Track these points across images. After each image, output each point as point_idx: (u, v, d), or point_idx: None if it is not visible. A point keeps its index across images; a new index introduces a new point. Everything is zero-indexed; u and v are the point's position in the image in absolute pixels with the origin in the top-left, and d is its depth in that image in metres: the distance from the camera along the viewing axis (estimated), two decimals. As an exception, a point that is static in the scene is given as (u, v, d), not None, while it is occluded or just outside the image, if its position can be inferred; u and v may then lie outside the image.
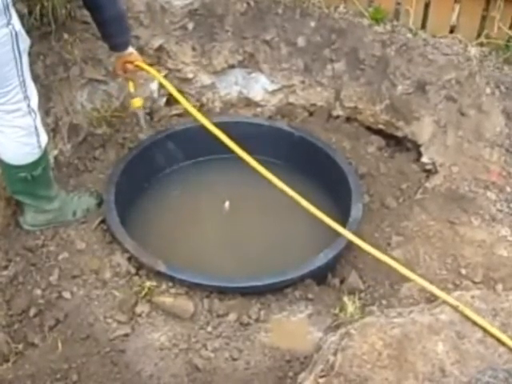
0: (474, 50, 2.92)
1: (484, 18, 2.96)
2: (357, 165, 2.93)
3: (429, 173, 2.84)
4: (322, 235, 2.49)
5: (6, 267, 2.34)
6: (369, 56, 3.01)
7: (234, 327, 2.20)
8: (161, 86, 3.06)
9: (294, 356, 2.10)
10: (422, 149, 2.90)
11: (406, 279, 2.21)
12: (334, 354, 1.77)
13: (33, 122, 2.21)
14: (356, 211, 2.54)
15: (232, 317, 2.22)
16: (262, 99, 3.27)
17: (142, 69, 2.64)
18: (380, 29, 3.04)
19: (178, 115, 3.18)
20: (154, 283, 2.29)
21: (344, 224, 2.43)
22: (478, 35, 2.97)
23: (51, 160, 2.61)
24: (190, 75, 3.20)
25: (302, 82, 3.18)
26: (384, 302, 2.25)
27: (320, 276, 2.42)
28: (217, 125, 2.48)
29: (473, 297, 1.93)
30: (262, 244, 2.68)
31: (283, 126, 3.09)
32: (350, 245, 2.40)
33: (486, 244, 2.40)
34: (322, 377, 1.74)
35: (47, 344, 2.13)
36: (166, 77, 3.02)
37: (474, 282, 2.27)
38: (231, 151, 2.41)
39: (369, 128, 3.14)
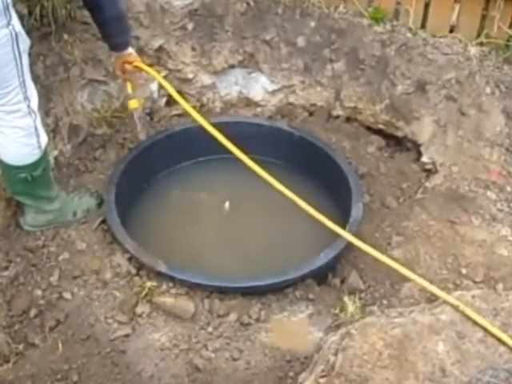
0: (473, 50, 2.92)
1: (484, 17, 2.96)
2: (357, 165, 2.93)
3: (429, 172, 2.84)
4: (322, 235, 2.49)
5: (6, 268, 2.35)
6: (369, 56, 3.01)
7: (234, 327, 2.20)
8: (160, 86, 3.06)
9: (295, 356, 2.10)
10: (422, 148, 2.90)
11: (407, 279, 2.21)
12: (335, 354, 1.77)
13: (33, 123, 2.21)
14: (356, 211, 2.54)
15: (232, 317, 2.22)
16: (262, 99, 3.27)
17: (141, 69, 2.64)
18: (380, 29, 3.04)
19: (178, 115, 3.18)
20: (155, 283, 2.29)
21: (344, 224, 2.43)
22: (478, 35, 2.97)
23: (51, 160, 2.61)
24: (190, 75, 3.20)
25: (302, 82, 3.18)
26: (384, 301, 2.25)
27: (320, 276, 2.42)
28: (217, 125, 2.48)
29: (473, 296, 1.93)
30: (263, 244, 2.68)
31: (283, 126, 3.09)
32: (350, 245, 2.39)
33: (486, 243, 2.40)
34: (322, 377, 1.74)
35: (48, 344, 2.13)
36: (166, 77, 3.02)
37: (475, 282, 2.27)
38: (230, 152, 2.41)
39: (369, 128, 3.14)
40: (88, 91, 2.97)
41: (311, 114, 3.24)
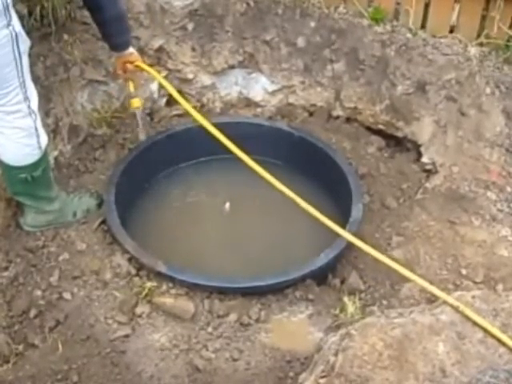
0: (473, 50, 2.91)
1: (484, 17, 2.95)
2: (357, 165, 2.93)
3: (429, 173, 2.84)
4: (322, 235, 2.49)
5: (6, 268, 2.35)
6: (369, 56, 3.01)
7: (234, 328, 2.20)
8: (161, 86, 3.06)
9: (295, 356, 2.10)
10: (422, 149, 2.90)
11: (407, 279, 2.21)
12: (335, 355, 1.77)
13: (33, 123, 2.21)
14: (356, 211, 2.54)
15: (232, 317, 2.22)
16: (262, 99, 3.27)
17: (142, 69, 2.64)
18: (380, 29, 3.04)
19: (179, 116, 3.18)
20: (155, 284, 2.29)
21: (344, 224, 2.43)
22: (478, 35, 2.97)
23: (51, 161, 2.61)
24: (190, 76, 3.20)
25: (302, 83, 3.18)
26: (384, 302, 2.25)
27: (320, 276, 2.42)
28: (217, 125, 2.48)
29: (473, 297, 1.93)
30: (263, 244, 2.68)
31: (283, 127, 3.09)
32: (350, 245, 2.39)
33: (486, 244, 2.40)
34: (322, 377, 1.74)
35: (47, 345, 2.13)
36: (166, 77, 3.02)
37: (475, 282, 2.27)
38: (230, 152, 2.41)
39: (369, 128, 3.14)
40: (88, 91, 2.97)
41: (311, 114, 3.24)
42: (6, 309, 2.23)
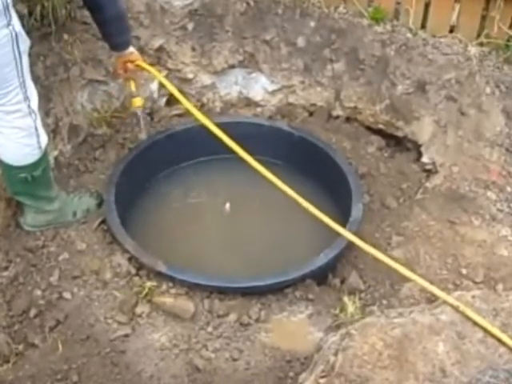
0: (473, 50, 2.91)
1: (484, 17, 2.96)
2: (357, 165, 2.93)
3: (429, 173, 2.84)
4: (322, 235, 2.49)
5: (6, 268, 2.35)
6: (369, 56, 3.01)
7: (234, 327, 2.20)
8: (161, 85, 3.06)
9: (295, 356, 2.10)
10: (422, 149, 2.90)
11: (407, 279, 2.21)
12: (335, 355, 1.77)
13: (33, 123, 2.21)
14: (356, 211, 2.54)
15: (232, 317, 2.22)
16: (261, 99, 3.27)
17: (142, 68, 2.64)
18: (380, 29, 3.04)
19: (179, 115, 3.18)
20: (155, 283, 2.29)
21: (344, 224, 2.43)
22: (478, 35, 2.97)
23: (51, 161, 2.61)
24: (190, 75, 3.20)
25: (302, 82, 3.18)
26: (384, 302, 2.25)
27: (320, 276, 2.42)
28: (217, 125, 2.48)
29: (473, 297, 1.93)
30: (263, 244, 2.68)
31: (283, 126, 3.09)
32: (350, 245, 2.39)
33: (486, 244, 2.40)
34: (322, 377, 1.74)
35: (47, 345, 2.13)
36: (166, 77, 3.02)
37: (475, 282, 2.27)
38: (232, 151, 2.41)
39: (369, 128, 3.14)
40: (88, 91, 2.97)
41: (311, 114, 3.24)
42: (5, 308, 2.23)
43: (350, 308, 2.12)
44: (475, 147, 2.72)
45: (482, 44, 2.95)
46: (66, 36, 2.80)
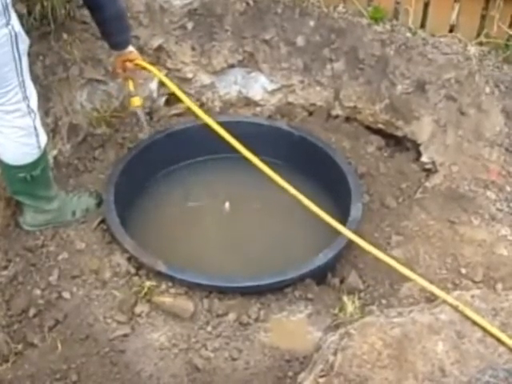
0: (473, 49, 2.91)
1: (483, 17, 2.95)
2: (356, 164, 2.93)
3: (428, 172, 2.84)
4: (321, 235, 2.49)
5: (5, 267, 2.35)
6: (368, 55, 3.01)
7: (233, 327, 2.20)
8: (161, 84, 3.06)
9: (294, 356, 2.10)
10: (422, 148, 2.90)
11: (406, 279, 2.21)
12: (334, 354, 1.77)
13: (32, 123, 2.21)
14: (356, 211, 2.54)
15: (232, 317, 2.22)
16: (261, 99, 3.27)
17: (142, 67, 2.64)
18: (379, 28, 3.04)
19: (178, 115, 3.18)
20: (154, 283, 2.29)
21: (344, 224, 2.43)
22: (478, 34, 2.97)
23: (50, 160, 2.61)
24: (190, 75, 3.20)
25: (302, 82, 3.17)
26: (384, 301, 2.25)
27: (320, 276, 2.42)
28: (217, 124, 2.48)
29: (473, 296, 1.93)
30: (262, 244, 2.68)
31: (283, 126, 3.09)
32: (349, 244, 2.39)
33: (485, 243, 2.39)
34: (321, 377, 1.73)
35: (47, 344, 2.13)
36: (165, 76, 3.01)
37: (474, 282, 2.27)
38: (232, 150, 2.41)
39: (368, 128, 3.14)
40: (87, 91, 2.97)
41: (311, 113, 3.24)
42: (5, 308, 2.23)
43: (350, 308, 2.12)
44: (475, 147, 2.72)
45: (481, 43, 2.95)
46: (65, 35, 2.80)
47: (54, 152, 2.74)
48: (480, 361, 1.71)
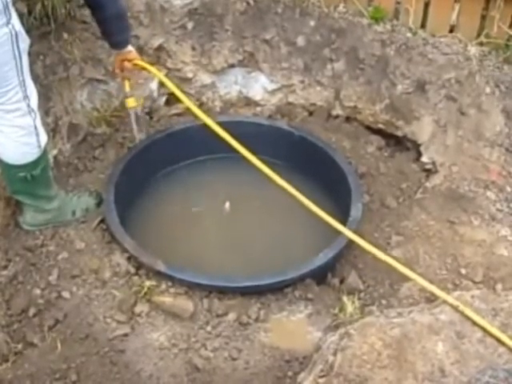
0: (473, 50, 2.91)
1: (484, 17, 2.95)
2: (356, 164, 2.93)
3: (429, 172, 2.84)
4: (321, 235, 2.49)
5: (5, 267, 2.34)
6: (368, 55, 3.01)
7: (233, 327, 2.20)
8: (161, 84, 3.06)
9: (294, 356, 2.10)
10: (422, 148, 2.90)
11: (406, 279, 2.21)
12: (334, 354, 1.77)
13: (32, 122, 2.20)
14: (356, 211, 2.54)
15: (231, 316, 2.22)
16: (261, 99, 3.27)
17: (141, 67, 2.64)
18: (380, 28, 3.04)
19: (178, 115, 3.18)
20: (154, 283, 2.29)
21: (344, 224, 2.43)
22: (478, 34, 2.97)
23: (51, 160, 2.61)
24: (190, 75, 3.20)
25: (302, 82, 3.17)
26: (384, 301, 2.25)
27: (320, 276, 2.42)
28: (217, 124, 2.48)
29: (473, 296, 1.93)
30: (262, 244, 2.68)
31: (283, 126, 3.09)
32: (349, 244, 2.39)
33: (485, 244, 2.39)
34: (321, 377, 1.74)
35: (46, 344, 2.13)
36: (165, 76, 3.01)
37: (474, 282, 2.27)
38: (232, 150, 2.41)
39: (368, 127, 3.14)
40: (87, 90, 2.96)
41: (311, 113, 3.24)
42: (4, 308, 2.22)
43: (349, 308, 2.12)
44: (475, 147, 2.72)
45: (481, 44, 2.94)
46: (65, 35, 2.80)
47: (54, 151, 2.74)
48: (480, 361, 1.71)
